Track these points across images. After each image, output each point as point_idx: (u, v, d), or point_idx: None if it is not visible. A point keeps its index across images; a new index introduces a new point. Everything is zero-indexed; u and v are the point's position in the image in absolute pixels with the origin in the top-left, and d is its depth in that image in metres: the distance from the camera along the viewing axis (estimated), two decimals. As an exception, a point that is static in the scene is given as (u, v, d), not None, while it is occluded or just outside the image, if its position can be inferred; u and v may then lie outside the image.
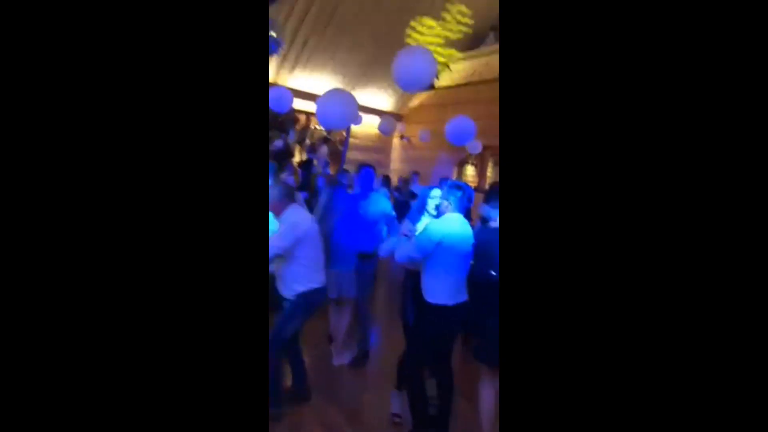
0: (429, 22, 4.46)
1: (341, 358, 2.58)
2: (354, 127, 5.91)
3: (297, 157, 5.79)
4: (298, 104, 5.22)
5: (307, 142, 5.93)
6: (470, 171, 7.53)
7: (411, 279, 1.91)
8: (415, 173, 5.39)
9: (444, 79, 6.10)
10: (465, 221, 1.80)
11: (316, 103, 3.20)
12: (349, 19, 4.57)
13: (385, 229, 2.58)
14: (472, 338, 2.05)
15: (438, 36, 4.54)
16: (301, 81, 5.44)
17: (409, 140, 6.78)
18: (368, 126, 6.43)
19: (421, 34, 4.49)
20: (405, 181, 5.26)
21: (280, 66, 5.06)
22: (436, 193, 1.94)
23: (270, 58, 4.18)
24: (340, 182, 2.87)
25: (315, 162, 5.38)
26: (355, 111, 3.25)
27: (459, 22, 4.56)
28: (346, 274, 2.45)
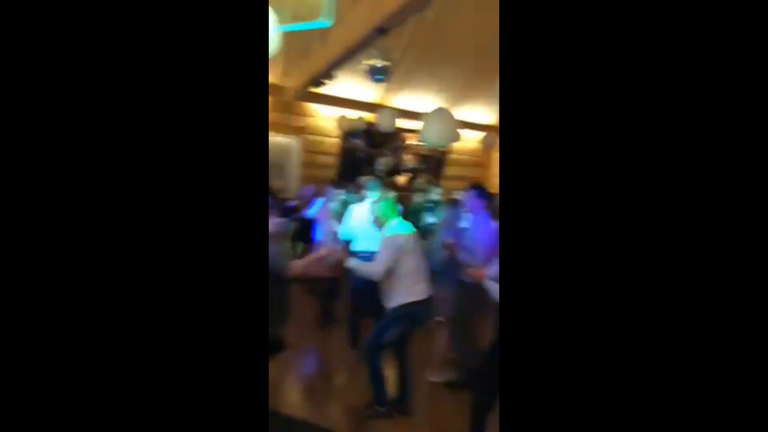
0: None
1: (436, 375, 2.61)
2: (457, 143, 5.95)
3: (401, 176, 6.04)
4: (403, 123, 5.50)
5: (406, 158, 6.17)
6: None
7: None
8: None
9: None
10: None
11: (423, 121, 3.36)
12: (452, 41, 4.68)
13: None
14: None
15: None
16: (405, 101, 5.72)
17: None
18: (470, 141, 6.40)
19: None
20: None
21: (387, 88, 5.42)
22: None
23: (379, 84, 4.51)
24: (458, 202, 2.94)
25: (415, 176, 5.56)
26: (456, 130, 3.32)
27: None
28: (449, 294, 2.50)
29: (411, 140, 5.99)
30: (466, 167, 6.67)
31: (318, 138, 5.74)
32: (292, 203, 4.65)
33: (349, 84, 5.27)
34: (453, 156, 6.48)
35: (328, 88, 4.83)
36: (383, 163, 5.61)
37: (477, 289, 2.07)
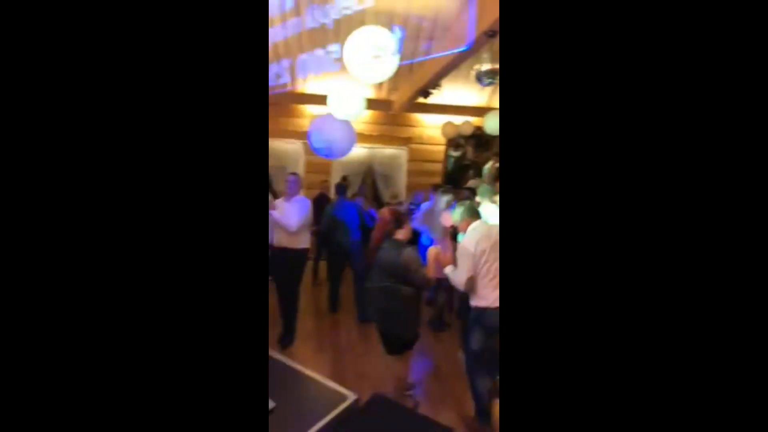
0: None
1: None
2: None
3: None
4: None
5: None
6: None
7: None
8: None
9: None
10: None
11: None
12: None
13: None
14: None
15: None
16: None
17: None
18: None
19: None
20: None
21: (495, 90, 5.27)
22: None
23: (487, 88, 4.43)
24: None
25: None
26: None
27: None
28: None
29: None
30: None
31: (424, 147, 5.89)
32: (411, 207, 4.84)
33: (455, 90, 5.30)
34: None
35: (435, 97, 4.94)
36: (489, 167, 5.45)
37: None
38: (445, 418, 2.20)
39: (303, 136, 5.38)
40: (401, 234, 2.06)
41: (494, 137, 5.30)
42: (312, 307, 3.83)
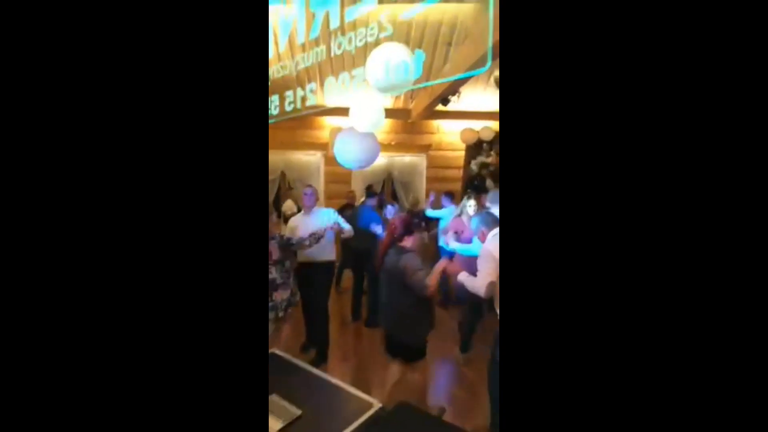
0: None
1: None
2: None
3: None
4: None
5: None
6: None
7: None
8: None
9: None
10: None
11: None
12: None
13: None
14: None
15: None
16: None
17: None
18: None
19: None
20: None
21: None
22: None
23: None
24: None
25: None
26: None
27: None
28: None
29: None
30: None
31: (443, 153, 5.88)
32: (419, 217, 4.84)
33: (474, 96, 5.29)
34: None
35: (453, 104, 4.94)
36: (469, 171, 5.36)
37: None
38: (471, 426, 2.17)
39: (323, 147, 5.52)
40: (409, 242, 2.07)
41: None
42: (336, 314, 3.87)
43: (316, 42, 1.92)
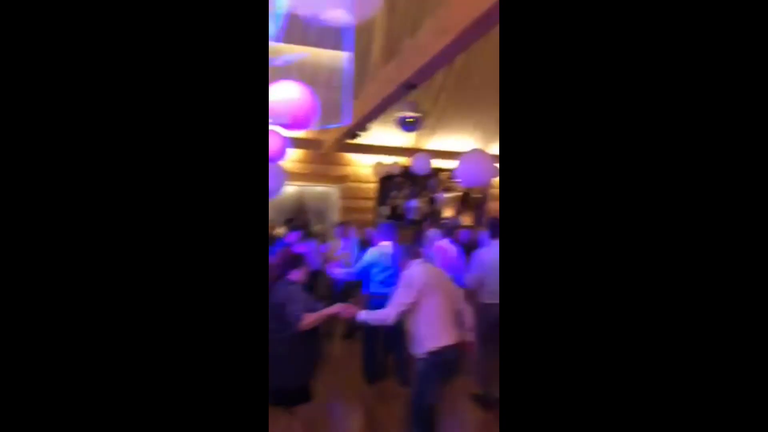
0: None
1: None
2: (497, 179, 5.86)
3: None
4: (439, 164, 5.55)
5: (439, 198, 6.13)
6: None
7: None
8: None
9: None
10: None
11: (458, 163, 3.38)
12: (481, 85, 4.76)
13: None
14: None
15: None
16: (440, 142, 5.81)
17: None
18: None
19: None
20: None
21: (421, 132, 5.55)
22: None
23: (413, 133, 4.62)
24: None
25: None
26: (492, 169, 3.29)
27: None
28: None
29: (449, 181, 5.99)
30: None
31: (356, 185, 5.92)
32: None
33: (384, 132, 5.47)
34: (495, 191, 6.36)
35: (365, 138, 5.03)
36: (416, 207, 5.62)
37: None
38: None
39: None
40: (296, 275, 1.97)
41: (423, 176, 5.51)
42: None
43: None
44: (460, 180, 3.41)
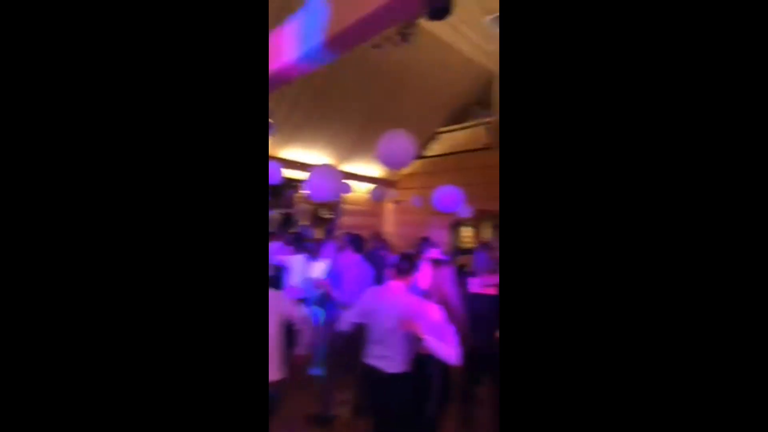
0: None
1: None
2: (349, 194, 6.04)
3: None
4: (294, 174, 5.40)
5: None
6: (466, 232, 7.54)
7: None
8: (425, 239, 4.88)
9: (433, 149, 6.37)
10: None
11: (308, 178, 3.32)
12: (342, 96, 4.90)
13: None
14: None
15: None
16: (295, 153, 5.69)
17: (400, 204, 6.90)
18: (362, 192, 6.59)
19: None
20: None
21: (275, 141, 5.33)
22: None
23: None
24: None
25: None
26: (341, 184, 3.35)
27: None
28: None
29: (301, 194, 5.90)
30: (362, 216, 6.80)
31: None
32: None
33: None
34: (347, 206, 6.56)
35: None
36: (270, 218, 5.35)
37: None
38: None
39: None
40: None
41: (277, 186, 5.27)
42: None
43: None
44: (309, 193, 3.36)
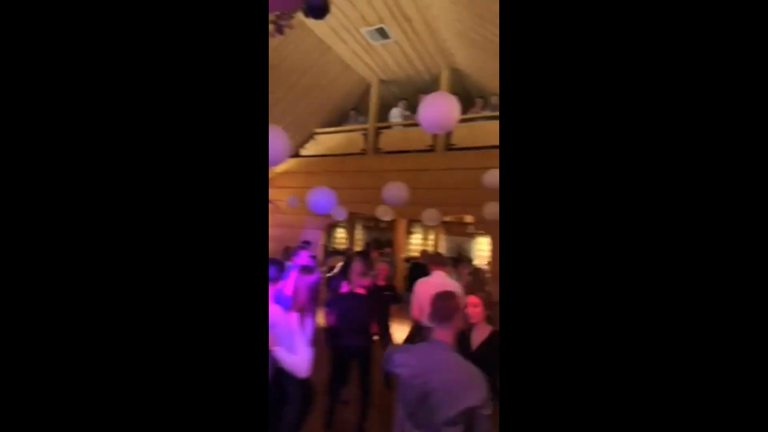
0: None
1: None
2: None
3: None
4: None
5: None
6: (340, 234, 7.67)
7: None
8: (306, 242, 4.50)
9: (310, 149, 6.29)
10: None
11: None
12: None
13: None
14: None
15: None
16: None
17: (275, 204, 6.59)
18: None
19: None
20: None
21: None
22: None
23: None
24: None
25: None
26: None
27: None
28: None
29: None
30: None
31: None
32: None
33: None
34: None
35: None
36: None
37: None
38: None
39: None
40: None
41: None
42: None
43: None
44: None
